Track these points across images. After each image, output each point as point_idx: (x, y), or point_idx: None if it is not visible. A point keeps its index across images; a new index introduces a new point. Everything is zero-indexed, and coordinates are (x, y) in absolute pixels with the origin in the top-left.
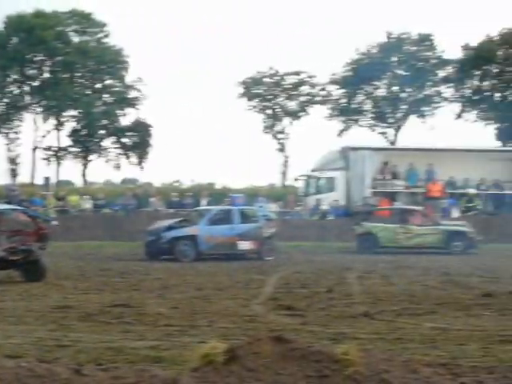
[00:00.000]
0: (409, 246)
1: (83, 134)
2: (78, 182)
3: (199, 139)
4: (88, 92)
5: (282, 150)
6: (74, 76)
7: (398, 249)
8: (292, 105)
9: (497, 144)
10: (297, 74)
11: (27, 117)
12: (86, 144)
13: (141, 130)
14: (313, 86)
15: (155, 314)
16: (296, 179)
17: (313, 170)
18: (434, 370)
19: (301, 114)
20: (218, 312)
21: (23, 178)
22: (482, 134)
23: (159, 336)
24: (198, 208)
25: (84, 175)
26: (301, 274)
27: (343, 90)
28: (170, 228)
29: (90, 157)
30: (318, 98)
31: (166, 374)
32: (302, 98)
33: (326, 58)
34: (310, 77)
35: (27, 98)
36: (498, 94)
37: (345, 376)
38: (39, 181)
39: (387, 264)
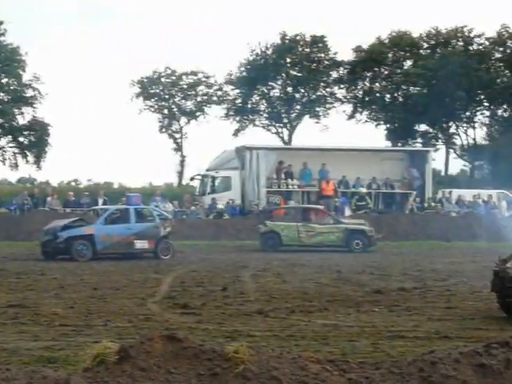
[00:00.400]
0: (311, 245)
1: None
2: None
3: (97, 139)
4: None
5: (178, 149)
6: None
7: (300, 247)
8: (189, 104)
9: (387, 144)
10: (194, 73)
11: None
12: None
13: (38, 129)
14: (209, 85)
15: (51, 314)
16: (192, 178)
17: (208, 170)
18: (323, 367)
19: (198, 113)
20: (114, 311)
21: None
22: (372, 134)
23: (54, 336)
24: (94, 207)
25: None
26: (196, 273)
27: (239, 90)
28: (66, 227)
29: None
30: (214, 98)
31: (57, 375)
32: (199, 98)
33: (223, 58)
34: (207, 77)
35: None
36: (387, 96)
37: (235, 374)
38: None
39: (282, 262)
